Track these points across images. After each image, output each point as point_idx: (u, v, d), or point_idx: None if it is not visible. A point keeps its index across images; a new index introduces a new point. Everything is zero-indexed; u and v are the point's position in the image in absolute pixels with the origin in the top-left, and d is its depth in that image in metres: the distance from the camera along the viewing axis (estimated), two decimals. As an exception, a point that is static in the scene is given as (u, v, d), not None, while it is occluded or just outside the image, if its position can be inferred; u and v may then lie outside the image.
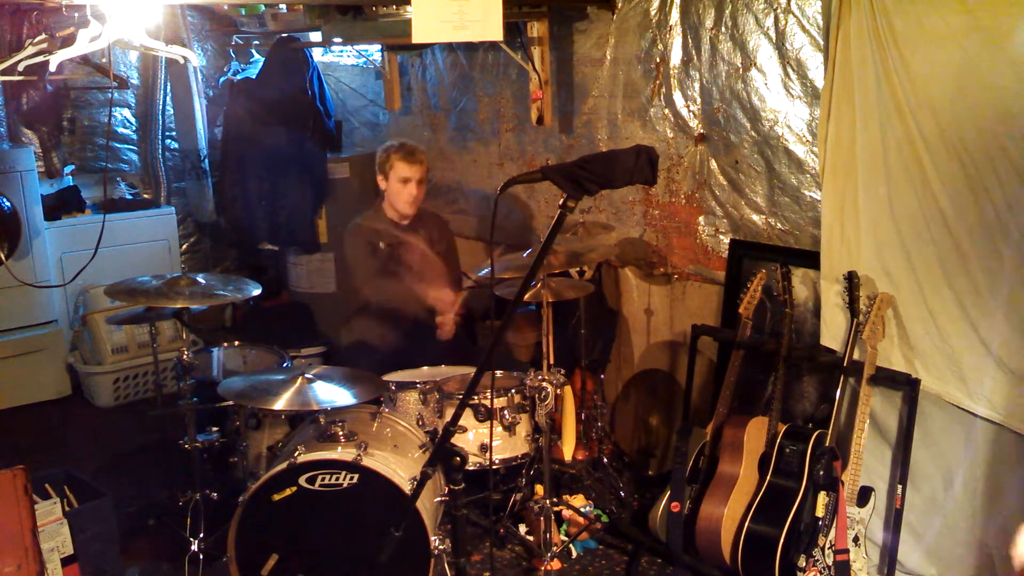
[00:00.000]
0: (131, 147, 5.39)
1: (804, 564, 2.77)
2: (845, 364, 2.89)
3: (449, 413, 2.77)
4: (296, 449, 2.68)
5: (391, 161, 3.66)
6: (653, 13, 3.63)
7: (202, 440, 3.16)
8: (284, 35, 4.85)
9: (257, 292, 3.17)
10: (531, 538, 3.25)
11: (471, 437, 3.08)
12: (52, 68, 2.84)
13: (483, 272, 3.90)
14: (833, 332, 3.02)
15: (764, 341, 3.21)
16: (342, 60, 5.46)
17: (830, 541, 2.79)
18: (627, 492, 3.61)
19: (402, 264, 3.72)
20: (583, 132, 4.08)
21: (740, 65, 3.33)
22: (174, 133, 5.46)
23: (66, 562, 2.76)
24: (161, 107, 5.35)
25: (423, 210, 3.89)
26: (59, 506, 2.78)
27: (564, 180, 1.60)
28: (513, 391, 3.12)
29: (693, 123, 3.57)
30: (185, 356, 3.08)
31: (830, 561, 2.78)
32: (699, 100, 3.53)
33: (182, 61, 3.16)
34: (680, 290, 3.75)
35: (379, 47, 4.80)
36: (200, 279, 3.12)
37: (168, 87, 5.33)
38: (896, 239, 2.81)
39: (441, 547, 2.64)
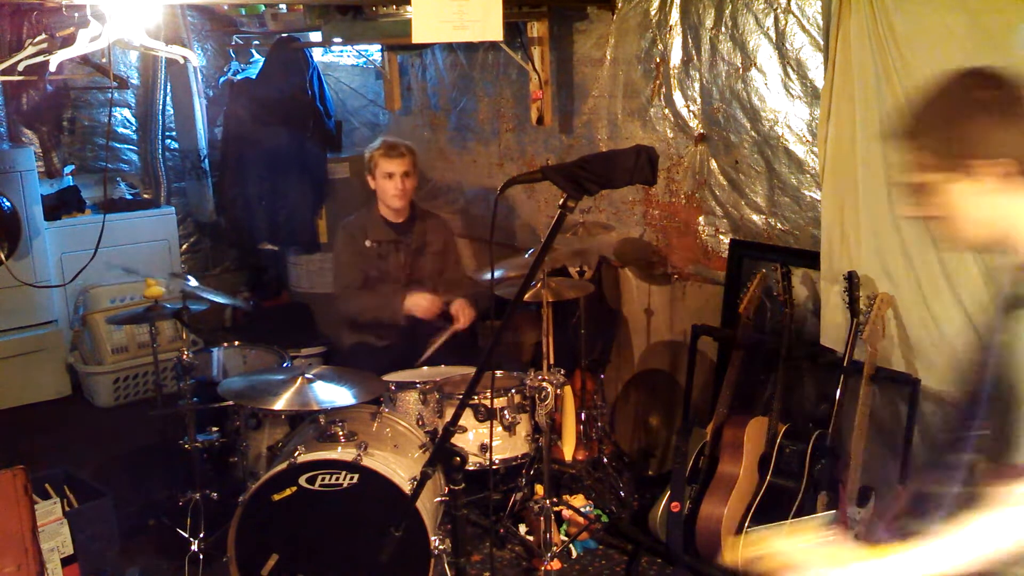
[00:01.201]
0: (131, 147, 5.39)
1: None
2: (845, 364, 2.89)
3: (449, 413, 2.77)
4: (296, 449, 2.68)
5: (374, 159, 3.66)
6: (653, 13, 3.63)
7: (202, 440, 3.16)
8: (284, 35, 4.85)
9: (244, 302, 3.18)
10: (531, 538, 3.25)
11: (471, 437, 3.08)
12: (52, 68, 2.84)
13: (485, 276, 3.89)
14: (833, 332, 3.02)
15: (764, 341, 3.21)
16: (342, 60, 5.46)
17: (830, 541, 2.78)
18: (627, 492, 3.61)
19: (388, 263, 3.70)
20: (583, 132, 4.08)
21: (740, 65, 3.33)
22: (174, 133, 5.46)
23: (66, 562, 2.77)
24: (161, 107, 5.34)
25: (423, 210, 3.87)
26: (59, 506, 2.79)
27: (564, 180, 1.60)
28: (513, 391, 3.12)
29: (693, 123, 3.57)
30: (185, 356, 3.08)
31: (830, 561, 2.77)
32: (699, 100, 3.53)
33: (182, 61, 3.16)
34: (680, 290, 3.75)
35: (379, 47, 4.80)
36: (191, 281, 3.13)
37: (168, 87, 5.33)
38: (896, 239, 2.81)
39: (441, 547, 2.64)
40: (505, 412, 3.09)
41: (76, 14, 2.74)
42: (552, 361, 3.15)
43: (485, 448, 3.04)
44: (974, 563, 1.32)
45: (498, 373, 3.28)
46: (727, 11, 3.34)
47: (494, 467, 3.17)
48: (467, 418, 3.04)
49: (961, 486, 1.44)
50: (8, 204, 4.41)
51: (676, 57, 3.58)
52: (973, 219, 1.46)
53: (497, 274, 3.39)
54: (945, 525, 1.37)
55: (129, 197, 5.28)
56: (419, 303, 3.54)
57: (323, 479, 2.63)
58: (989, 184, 1.42)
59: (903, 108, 2.67)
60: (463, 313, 3.55)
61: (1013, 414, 1.32)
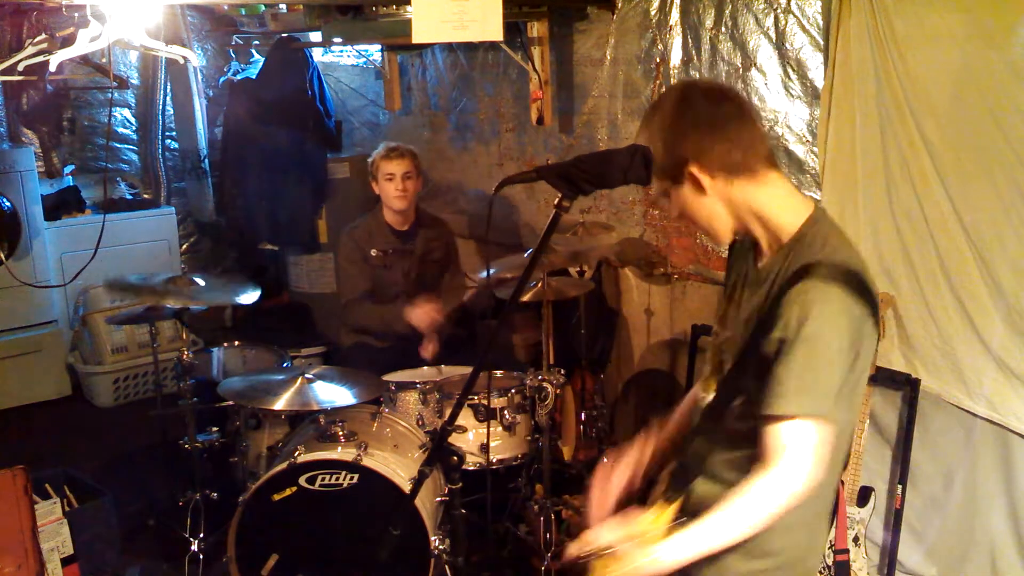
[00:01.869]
0: (131, 147, 5.39)
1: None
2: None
3: (449, 413, 2.77)
4: (296, 449, 2.68)
5: (376, 163, 3.66)
6: (653, 13, 3.63)
7: (202, 440, 3.16)
8: (284, 35, 4.86)
9: (254, 296, 3.18)
10: (531, 538, 3.25)
11: (471, 437, 3.08)
12: (52, 68, 2.85)
13: (484, 274, 3.88)
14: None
15: (764, 341, 3.21)
16: (342, 60, 5.46)
17: (830, 541, 2.78)
18: (627, 492, 3.60)
19: (393, 273, 3.69)
20: (583, 132, 4.07)
21: (740, 65, 3.33)
22: (174, 133, 5.46)
23: (66, 562, 2.77)
24: (161, 107, 5.35)
25: (427, 215, 3.86)
26: (59, 506, 2.79)
27: (559, 179, 1.60)
28: (513, 391, 3.11)
29: (693, 123, 3.56)
30: (185, 356, 3.08)
31: (830, 561, 2.77)
32: (699, 100, 3.52)
33: (182, 61, 3.16)
34: (680, 290, 3.75)
35: (379, 47, 4.80)
36: (199, 280, 3.13)
37: (168, 87, 5.33)
38: (896, 239, 2.81)
39: (441, 547, 2.64)
40: (505, 412, 3.09)
41: (76, 14, 2.74)
42: (552, 361, 3.15)
43: (485, 448, 3.04)
44: (742, 530, 1.48)
45: (498, 373, 3.28)
46: (727, 11, 3.34)
47: (494, 467, 3.16)
48: (467, 418, 3.04)
49: (724, 452, 1.63)
50: (8, 204, 4.41)
51: (676, 57, 3.57)
52: (706, 216, 1.62)
53: (497, 274, 3.39)
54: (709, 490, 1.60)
55: (129, 197, 5.28)
56: (424, 315, 3.48)
57: (323, 479, 2.63)
58: (705, 183, 1.57)
59: (903, 108, 2.69)
60: (429, 346, 3.55)
61: (774, 369, 1.47)
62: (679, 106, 1.61)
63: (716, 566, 1.54)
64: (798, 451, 1.45)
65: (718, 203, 1.59)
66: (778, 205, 1.60)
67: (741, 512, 1.47)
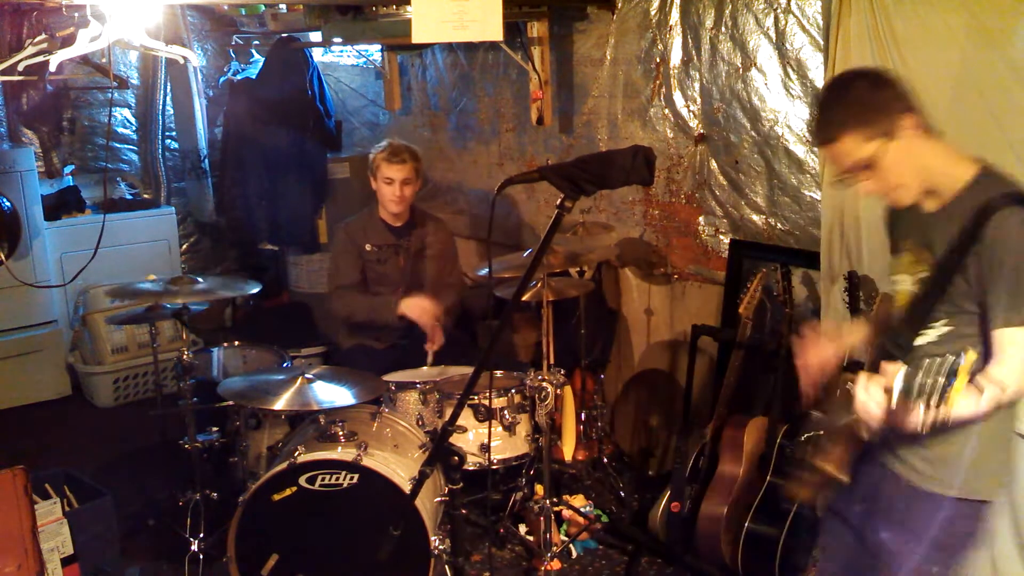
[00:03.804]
0: (131, 147, 5.39)
1: (804, 564, 2.77)
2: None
3: (449, 413, 2.77)
4: (296, 449, 2.68)
5: (376, 162, 3.64)
6: (653, 13, 3.63)
7: (202, 440, 3.16)
8: (284, 35, 4.86)
9: (256, 290, 3.19)
10: (531, 538, 3.25)
11: (471, 437, 3.08)
12: (52, 68, 2.85)
13: (482, 271, 3.87)
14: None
15: (764, 341, 3.21)
16: (342, 60, 5.46)
17: (830, 541, 2.79)
18: (627, 492, 3.61)
19: (387, 267, 3.70)
20: (583, 132, 4.08)
21: (740, 65, 3.33)
22: (174, 133, 5.46)
23: (66, 562, 2.77)
24: (161, 107, 5.35)
25: (423, 212, 3.86)
26: (59, 506, 2.79)
27: (561, 180, 1.60)
28: (513, 391, 3.11)
29: (693, 123, 3.57)
30: (185, 356, 3.08)
31: (830, 561, 2.78)
32: (699, 100, 3.53)
33: (182, 61, 3.16)
34: (680, 290, 3.75)
35: (379, 47, 4.81)
36: (199, 280, 3.13)
37: (168, 87, 5.34)
38: (896, 239, 2.81)
39: (441, 547, 2.64)
40: (505, 412, 3.09)
41: (76, 14, 2.75)
42: (552, 361, 3.15)
43: (485, 448, 3.04)
44: None
45: (498, 373, 3.28)
46: (727, 11, 3.34)
47: (494, 467, 3.16)
48: (467, 418, 3.04)
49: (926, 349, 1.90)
50: (8, 204, 4.42)
51: (676, 57, 3.58)
52: (911, 170, 1.81)
53: (497, 273, 3.38)
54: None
55: (129, 197, 5.29)
56: (416, 306, 3.50)
57: (323, 479, 2.63)
58: (911, 135, 1.78)
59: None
60: (435, 338, 3.54)
61: (995, 289, 1.74)
62: (865, 77, 1.84)
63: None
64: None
65: (917, 153, 1.79)
66: (949, 158, 1.84)
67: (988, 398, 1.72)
